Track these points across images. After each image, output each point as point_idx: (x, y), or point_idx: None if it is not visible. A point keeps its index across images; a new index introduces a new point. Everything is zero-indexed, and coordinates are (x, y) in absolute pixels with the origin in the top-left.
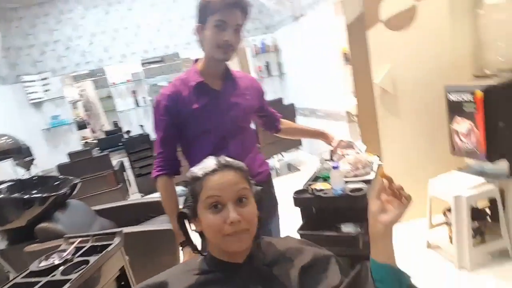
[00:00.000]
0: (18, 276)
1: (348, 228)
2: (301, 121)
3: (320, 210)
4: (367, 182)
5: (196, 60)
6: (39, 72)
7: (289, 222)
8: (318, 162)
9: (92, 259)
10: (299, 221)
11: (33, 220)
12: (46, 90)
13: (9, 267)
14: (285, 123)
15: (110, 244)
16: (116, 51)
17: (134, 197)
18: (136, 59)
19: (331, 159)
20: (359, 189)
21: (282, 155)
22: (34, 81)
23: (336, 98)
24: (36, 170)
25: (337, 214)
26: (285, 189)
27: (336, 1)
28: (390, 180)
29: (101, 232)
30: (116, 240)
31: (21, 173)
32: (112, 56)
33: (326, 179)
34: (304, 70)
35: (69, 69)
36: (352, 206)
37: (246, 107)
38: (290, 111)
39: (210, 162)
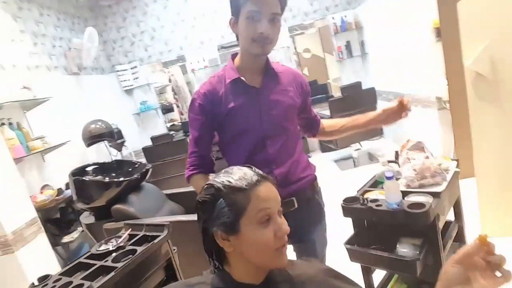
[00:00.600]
0: (82, 256)
1: (404, 249)
2: (384, 107)
3: (373, 223)
4: (434, 195)
5: (234, 55)
6: (130, 61)
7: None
8: (380, 165)
9: (140, 249)
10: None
11: (111, 200)
12: (135, 78)
13: (92, 238)
14: (327, 123)
15: (159, 235)
16: (195, 38)
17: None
18: (213, 45)
19: (396, 161)
20: (421, 205)
21: (360, 144)
22: (125, 70)
23: (425, 81)
24: (127, 151)
25: (393, 230)
26: (361, 182)
27: None
28: (490, 250)
29: (152, 222)
30: (164, 233)
31: (114, 154)
32: (191, 43)
33: None
34: (389, 49)
35: (154, 57)
36: (409, 223)
37: (288, 105)
38: (370, 96)
39: (248, 172)
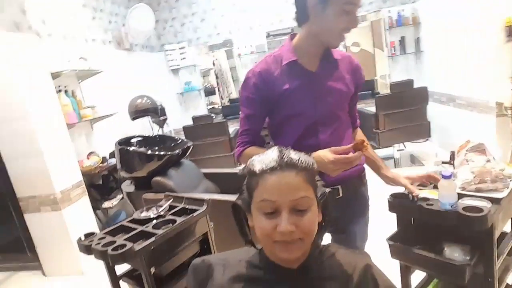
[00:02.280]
0: (124, 220)
1: (454, 253)
2: (435, 109)
3: (421, 222)
4: (493, 201)
5: (293, 35)
6: (178, 41)
7: (385, 226)
8: (433, 163)
9: (179, 219)
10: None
11: (152, 172)
12: (182, 58)
13: (133, 207)
14: (359, 134)
15: (198, 209)
16: (245, 23)
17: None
18: (261, 31)
19: (450, 162)
20: (478, 209)
21: (404, 145)
22: (174, 50)
23: (485, 85)
24: (169, 128)
25: (442, 232)
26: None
27: None
28: None
29: (192, 197)
30: (203, 207)
31: (156, 130)
32: (240, 28)
33: (437, 186)
34: (448, 47)
35: (202, 39)
36: (463, 227)
37: (343, 93)
38: (421, 96)
39: (271, 156)
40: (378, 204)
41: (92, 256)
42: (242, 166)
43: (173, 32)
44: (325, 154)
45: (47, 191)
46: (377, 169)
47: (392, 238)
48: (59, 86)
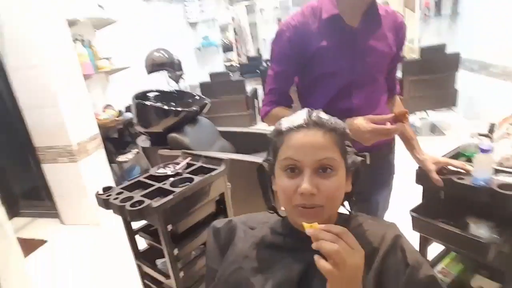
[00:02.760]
0: (141, 175)
1: (480, 230)
2: (466, 77)
3: (449, 196)
4: None
5: None
6: None
7: (406, 197)
8: (469, 135)
9: (197, 178)
10: (417, 199)
11: (168, 128)
12: (201, 11)
13: (148, 162)
14: (397, 102)
15: (216, 169)
16: None
17: (260, 125)
18: None
19: (489, 135)
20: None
21: (427, 113)
22: (193, 1)
23: None
24: (184, 84)
25: (468, 208)
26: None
27: None
28: None
29: (211, 155)
30: (221, 167)
31: (172, 84)
32: None
33: (470, 159)
34: (488, 10)
35: None
36: (495, 205)
37: (384, 54)
38: (452, 62)
39: (300, 116)
40: (402, 173)
41: (106, 209)
42: (259, 126)
43: None
44: (362, 123)
45: (64, 142)
46: (410, 147)
47: (415, 210)
48: (76, 35)
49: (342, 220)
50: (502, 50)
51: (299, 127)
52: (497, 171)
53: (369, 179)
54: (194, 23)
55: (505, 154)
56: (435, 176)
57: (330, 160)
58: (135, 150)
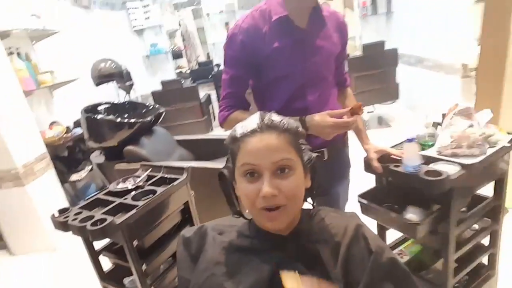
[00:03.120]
0: (100, 192)
1: (411, 213)
2: (405, 70)
3: (393, 183)
4: (464, 166)
5: None
6: None
7: (363, 185)
8: (423, 125)
9: (159, 190)
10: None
11: (123, 141)
12: (147, 18)
13: (104, 178)
14: (349, 94)
15: (177, 178)
16: None
17: (217, 130)
18: None
19: (439, 124)
20: (437, 173)
21: (374, 107)
22: (137, 8)
23: (452, 46)
24: (135, 94)
25: (411, 193)
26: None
27: None
28: None
29: (171, 165)
30: (183, 176)
31: (123, 96)
32: None
33: (425, 147)
34: (418, 8)
35: None
36: (424, 190)
37: (330, 52)
38: (391, 57)
39: (252, 120)
40: (358, 165)
41: (65, 231)
42: (216, 132)
43: None
44: (323, 118)
45: (7, 165)
46: (359, 138)
47: (362, 196)
48: (10, 48)
49: (306, 215)
50: (433, 44)
51: (253, 132)
52: (436, 160)
53: (327, 172)
54: (140, 30)
55: (443, 143)
56: (375, 163)
57: (286, 160)
58: (88, 167)
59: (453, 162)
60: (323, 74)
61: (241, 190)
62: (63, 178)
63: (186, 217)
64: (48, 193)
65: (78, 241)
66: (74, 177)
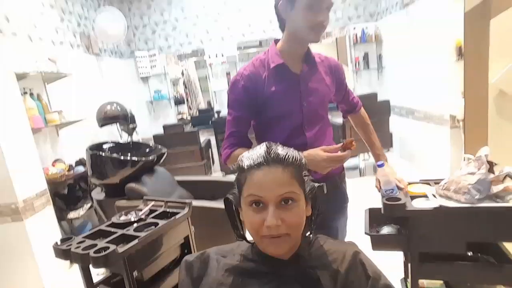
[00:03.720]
0: (103, 224)
1: (385, 230)
2: (396, 121)
3: None
4: (437, 208)
5: (276, 40)
6: (149, 49)
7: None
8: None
9: (161, 222)
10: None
11: (125, 179)
12: (153, 66)
13: (103, 215)
14: (363, 117)
15: (179, 212)
16: (216, 33)
17: (216, 174)
18: (233, 42)
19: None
20: (398, 199)
21: (369, 155)
22: (144, 57)
23: (440, 99)
24: (137, 137)
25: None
26: (365, 190)
27: None
28: None
29: (173, 200)
30: (185, 210)
31: (125, 138)
32: (212, 38)
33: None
34: (407, 64)
35: (173, 48)
36: (383, 211)
37: (325, 93)
38: (384, 108)
39: (259, 153)
40: (356, 201)
41: (55, 270)
42: (215, 175)
43: (143, 39)
44: (318, 152)
45: (8, 199)
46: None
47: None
48: (24, 89)
49: (305, 241)
50: (423, 97)
51: (259, 165)
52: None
53: (327, 207)
54: (146, 78)
55: (439, 185)
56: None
57: (290, 193)
58: (87, 206)
59: (443, 200)
60: (319, 113)
61: (246, 218)
62: (61, 215)
63: (185, 253)
64: (45, 229)
65: (70, 278)
66: (72, 214)
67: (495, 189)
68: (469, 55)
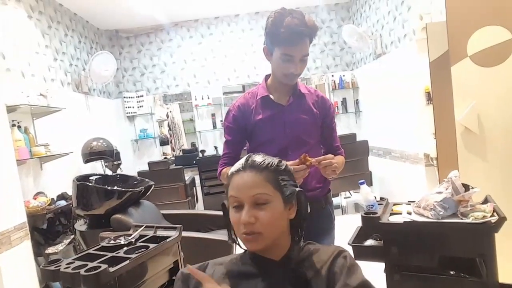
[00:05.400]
0: (91, 248)
1: (368, 242)
2: (375, 161)
3: None
4: (407, 222)
5: (268, 76)
6: (137, 90)
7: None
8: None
9: (152, 245)
10: None
11: (111, 210)
12: (140, 106)
13: (84, 246)
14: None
15: (169, 237)
16: (203, 77)
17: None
18: (219, 85)
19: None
20: (375, 213)
21: (350, 193)
22: (132, 97)
23: (414, 140)
24: (121, 173)
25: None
26: (348, 228)
27: (419, 38)
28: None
29: (162, 225)
30: (175, 234)
31: (110, 174)
32: (199, 81)
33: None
34: (381, 108)
35: (161, 90)
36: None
37: (309, 123)
38: (363, 148)
39: (240, 161)
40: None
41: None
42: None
43: (132, 81)
44: None
45: None
46: None
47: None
48: (13, 121)
49: (295, 244)
50: (398, 138)
51: (238, 171)
52: (409, 213)
53: (312, 228)
54: (133, 117)
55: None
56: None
57: (262, 195)
58: (66, 241)
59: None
60: (303, 139)
61: (231, 217)
62: (38, 251)
63: (173, 280)
64: (20, 265)
65: None
66: (50, 250)
67: (462, 209)
68: (437, 98)
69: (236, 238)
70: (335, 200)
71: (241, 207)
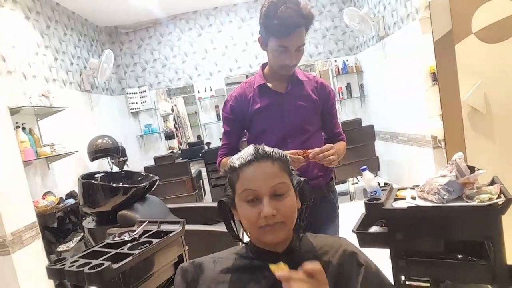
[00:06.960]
0: (96, 245)
1: (373, 228)
2: (382, 145)
3: None
4: (411, 207)
5: (264, 64)
6: (139, 86)
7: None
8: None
9: (155, 240)
10: None
11: (117, 207)
12: (143, 102)
13: (93, 243)
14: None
15: (173, 231)
16: (205, 69)
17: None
18: (221, 77)
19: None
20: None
21: (358, 179)
22: (135, 93)
23: (421, 122)
24: (128, 169)
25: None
26: (356, 214)
27: (423, 17)
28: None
29: (166, 220)
30: (179, 228)
31: (115, 171)
32: (200, 73)
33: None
34: (387, 91)
35: (163, 84)
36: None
37: (308, 109)
38: (369, 133)
39: (248, 152)
40: (346, 225)
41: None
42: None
43: (134, 76)
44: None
45: None
46: None
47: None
48: (17, 123)
49: (297, 235)
50: (405, 121)
51: (250, 162)
52: (413, 197)
53: (315, 216)
54: (137, 112)
55: (419, 186)
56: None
57: (281, 184)
58: (77, 238)
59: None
60: (303, 127)
61: (243, 213)
62: (50, 249)
63: None
64: (33, 263)
65: None
66: (61, 247)
67: (468, 191)
68: (442, 79)
69: (242, 235)
70: (343, 187)
71: (258, 201)
